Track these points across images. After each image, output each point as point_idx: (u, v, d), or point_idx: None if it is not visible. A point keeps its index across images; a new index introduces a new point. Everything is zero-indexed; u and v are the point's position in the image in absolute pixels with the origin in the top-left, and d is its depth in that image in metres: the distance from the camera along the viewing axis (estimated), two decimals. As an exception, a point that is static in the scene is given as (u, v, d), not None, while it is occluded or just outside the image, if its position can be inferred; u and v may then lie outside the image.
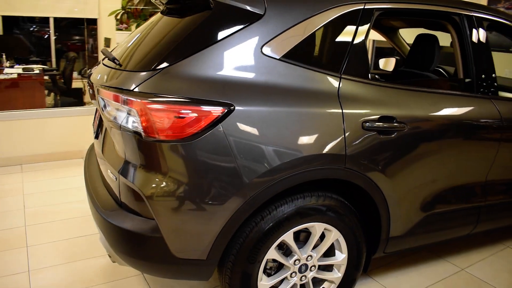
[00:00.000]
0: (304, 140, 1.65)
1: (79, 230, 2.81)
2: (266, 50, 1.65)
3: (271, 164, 1.59)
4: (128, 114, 1.54)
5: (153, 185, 1.54)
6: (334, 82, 1.76)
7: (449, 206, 2.20)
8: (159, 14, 2.06)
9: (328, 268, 1.97)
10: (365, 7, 1.86)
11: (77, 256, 2.50)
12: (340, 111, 1.72)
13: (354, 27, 1.83)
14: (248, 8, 1.66)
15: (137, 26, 4.71)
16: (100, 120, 2.02)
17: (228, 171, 1.55)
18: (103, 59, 2.08)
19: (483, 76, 2.19)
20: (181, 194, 1.54)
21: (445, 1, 2.13)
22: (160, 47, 1.65)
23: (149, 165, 1.55)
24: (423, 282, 2.43)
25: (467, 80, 2.18)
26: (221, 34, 1.61)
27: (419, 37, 2.53)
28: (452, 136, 2.05)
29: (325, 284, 1.99)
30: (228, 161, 1.54)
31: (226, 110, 1.52)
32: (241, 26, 1.63)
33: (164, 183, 1.53)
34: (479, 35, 2.20)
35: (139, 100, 1.49)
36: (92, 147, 2.59)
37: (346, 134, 1.73)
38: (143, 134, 1.51)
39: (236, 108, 1.53)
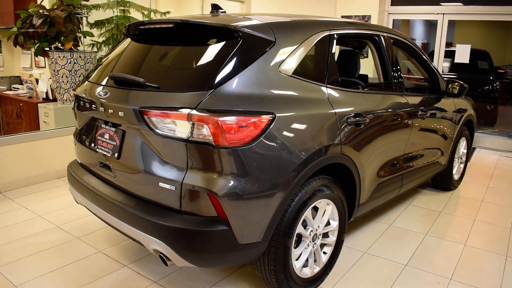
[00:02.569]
0: (321, 134, 2.18)
1: (62, 259, 2.74)
2: (282, 69, 2.12)
3: (304, 155, 2.07)
4: (194, 128, 1.82)
5: (225, 186, 1.85)
6: (324, 91, 2.33)
7: (388, 176, 3.00)
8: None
9: (326, 235, 2.52)
10: (330, 33, 2.48)
11: (80, 282, 2.49)
12: (334, 111, 2.31)
13: (327, 47, 2.43)
14: (265, 36, 2.10)
15: (39, 49, 4.50)
16: (122, 138, 2.15)
17: (278, 164, 1.97)
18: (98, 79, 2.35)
19: (399, 79, 3.07)
20: (247, 189, 1.89)
21: (368, 25, 2.92)
22: (205, 71, 1.97)
23: (219, 169, 1.85)
24: (370, 239, 3.18)
25: (387, 82, 3.01)
26: (250, 59, 2.02)
27: (342, 52, 3.29)
28: (387, 121, 2.83)
29: (325, 248, 2.54)
30: (277, 157, 1.97)
31: (271, 118, 1.94)
32: (263, 51, 2.07)
33: (233, 182, 1.86)
34: (391, 49, 3.07)
35: (210, 116, 1.79)
36: (76, 166, 2.61)
37: (340, 128, 2.32)
38: (213, 144, 1.81)
39: (276, 115, 1.97)
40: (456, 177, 4.36)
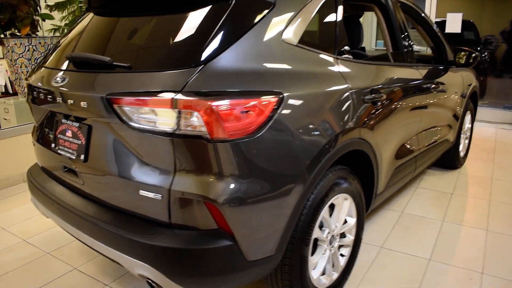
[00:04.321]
0: (337, 116, 1.78)
1: (32, 281, 2.29)
2: (285, 37, 1.69)
3: (321, 143, 1.67)
4: (181, 118, 1.38)
5: (225, 190, 1.43)
6: (336, 63, 1.91)
7: (404, 159, 2.63)
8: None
9: (343, 234, 2.14)
10: None
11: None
12: (349, 88, 1.89)
13: (334, 11, 2.00)
14: None
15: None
16: (88, 135, 1.70)
17: (290, 158, 1.57)
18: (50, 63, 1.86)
19: (409, 48, 2.67)
20: (254, 192, 1.48)
21: None
22: (190, 43, 1.52)
23: (217, 170, 1.43)
24: (384, 231, 2.83)
25: (398, 52, 2.61)
26: (246, 25, 1.58)
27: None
28: (402, 97, 2.44)
29: (342, 250, 2.16)
30: (289, 149, 1.56)
31: (279, 98, 1.51)
32: (261, 16, 1.63)
33: (235, 185, 1.44)
34: (400, 13, 2.66)
35: (200, 100, 1.36)
36: (37, 171, 2.14)
37: (357, 108, 1.92)
38: (208, 136, 1.38)
39: (284, 95, 1.54)
40: (462, 154, 4.07)
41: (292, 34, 1.72)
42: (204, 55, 1.45)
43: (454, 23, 6.09)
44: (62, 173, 1.90)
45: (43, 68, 2.02)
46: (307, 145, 1.64)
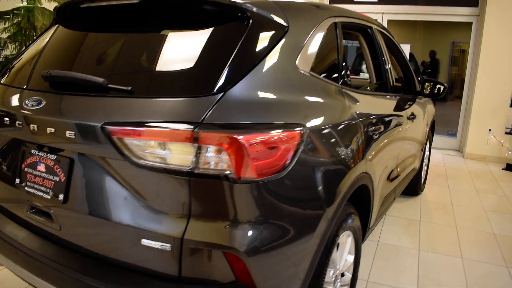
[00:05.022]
0: (351, 150, 1.67)
1: None
2: (299, 65, 1.56)
3: (339, 178, 1.55)
4: (201, 154, 1.18)
5: (251, 239, 1.23)
6: (340, 93, 1.81)
7: (388, 189, 2.59)
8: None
9: (342, 274, 2.01)
10: (335, 20, 1.98)
11: None
12: (356, 119, 1.80)
13: (336, 38, 1.92)
14: (277, 19, 1.52)
15: None
16: (70, 171, 1.42)
17: (315, 194, 1.44)
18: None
19: (391, 78, 2.68)
20: (280, 239, 1.30)
21: (360, 14, 2.48)
22: (208, 66, 1.33)
23: (243, 215, 1.23)
24: (365, 263, 2.76)
25: (382, 82, 2.60)
26: (263, 49, 1.43)
27: None
28: (390, 127, 2.41)
29: (341, 290, 2.03)
30: (313, 185, 1.43)
31: (302, 131, 1.37)
32: (276, 40, 1.49)
33: (261, 232, 1.25)
34: (383, 42, 2.66)
35: (226, 134, 1.16)
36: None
37: (364, 140, 1.83)
38: (233, 176, 1.18)
39: (306, 127, 1.40)
40: (422, 180, 4.18)
41: (304, 61, 1.59)
42: (223, 81, 1.27)
43: (402, 54, 6.42)
44: (28, 214, 1.57)
45: (2, 86, 1.70)
46: (328, 181, 1.51)
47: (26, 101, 1.49)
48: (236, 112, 1.25)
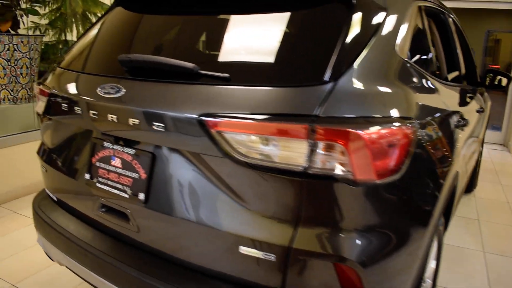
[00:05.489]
0: (449, 146, 1.54)
1: None
2: (398, 50, 1.39)
3: (446, 174, 1.41)
4: (316, 152, 1.03)
5: (367, 249, 1.09)
6: (433, 83, 1.64)
7: (462, 187, 2.41)
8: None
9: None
10: (420, 5, 1.78)
11: None
12: (450, 113, 1.65)
13: (424, 24, 1.74)
14: (377, 1, 1.35)
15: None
16: (151, 168, 1.29)
17: (425, 194, 1.31)
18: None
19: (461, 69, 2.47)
20: (398, 244, 1.17)
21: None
22: (314, 50, 1.17)
23: (358, 222, 1.08)
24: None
25: (460, 73, 2.40)
26: (368, 33, 1.27)
27: None
28: (470, 120, 2.23)
29: (422, 297, 1.87)
30: (425, 184, 1.30)
31: (414, 126, 1.20)
32: (379, 23, 1.32)
33: (382, 241, 1.11)
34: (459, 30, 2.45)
35: (347, 129, 1.01)
36: (50, 205, 1.69)
37: (455, 135, 1.71)
38: (351, 177, 1.03)
39: (415, 121, 1.24)
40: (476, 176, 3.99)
41: (402, 47, 1.42)
42: (333, 69, 1.11)
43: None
44: (99, 213, 1.46)
45: (64, 71, 1.59)
46: (436, 181, 1.39)
47: (99, 89, 1.37)
48: (349, 104, 1.10)
